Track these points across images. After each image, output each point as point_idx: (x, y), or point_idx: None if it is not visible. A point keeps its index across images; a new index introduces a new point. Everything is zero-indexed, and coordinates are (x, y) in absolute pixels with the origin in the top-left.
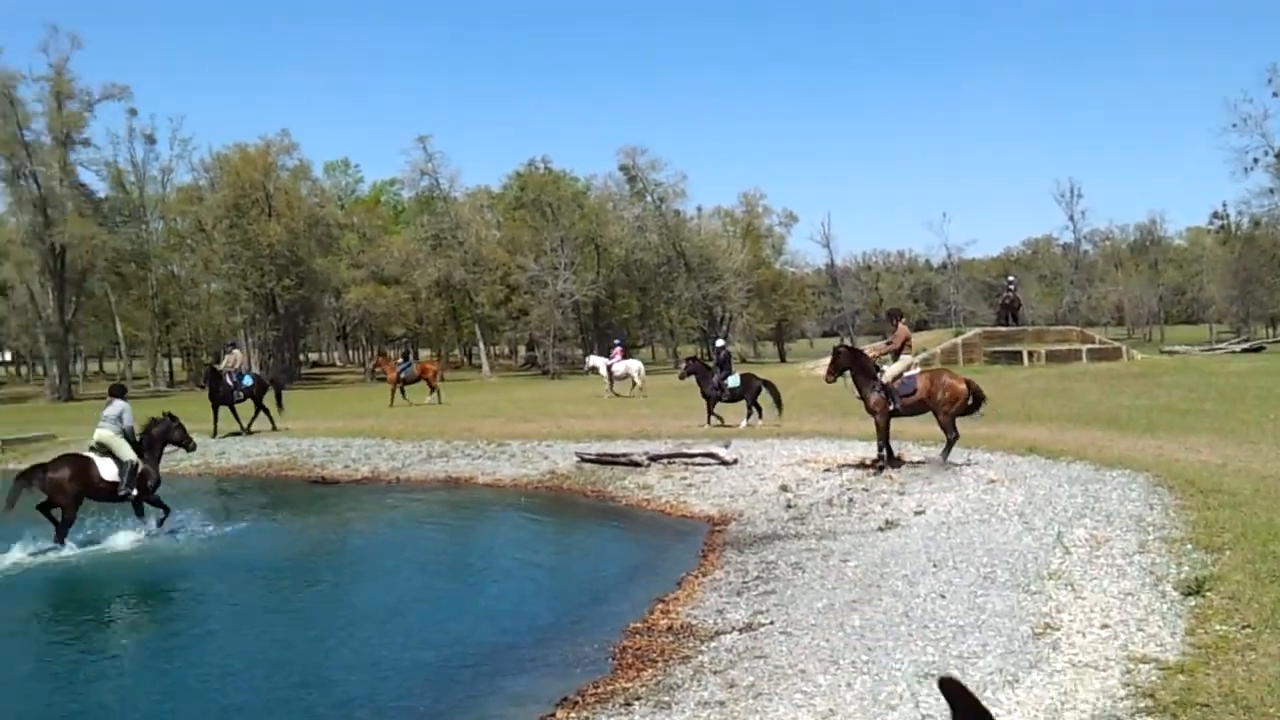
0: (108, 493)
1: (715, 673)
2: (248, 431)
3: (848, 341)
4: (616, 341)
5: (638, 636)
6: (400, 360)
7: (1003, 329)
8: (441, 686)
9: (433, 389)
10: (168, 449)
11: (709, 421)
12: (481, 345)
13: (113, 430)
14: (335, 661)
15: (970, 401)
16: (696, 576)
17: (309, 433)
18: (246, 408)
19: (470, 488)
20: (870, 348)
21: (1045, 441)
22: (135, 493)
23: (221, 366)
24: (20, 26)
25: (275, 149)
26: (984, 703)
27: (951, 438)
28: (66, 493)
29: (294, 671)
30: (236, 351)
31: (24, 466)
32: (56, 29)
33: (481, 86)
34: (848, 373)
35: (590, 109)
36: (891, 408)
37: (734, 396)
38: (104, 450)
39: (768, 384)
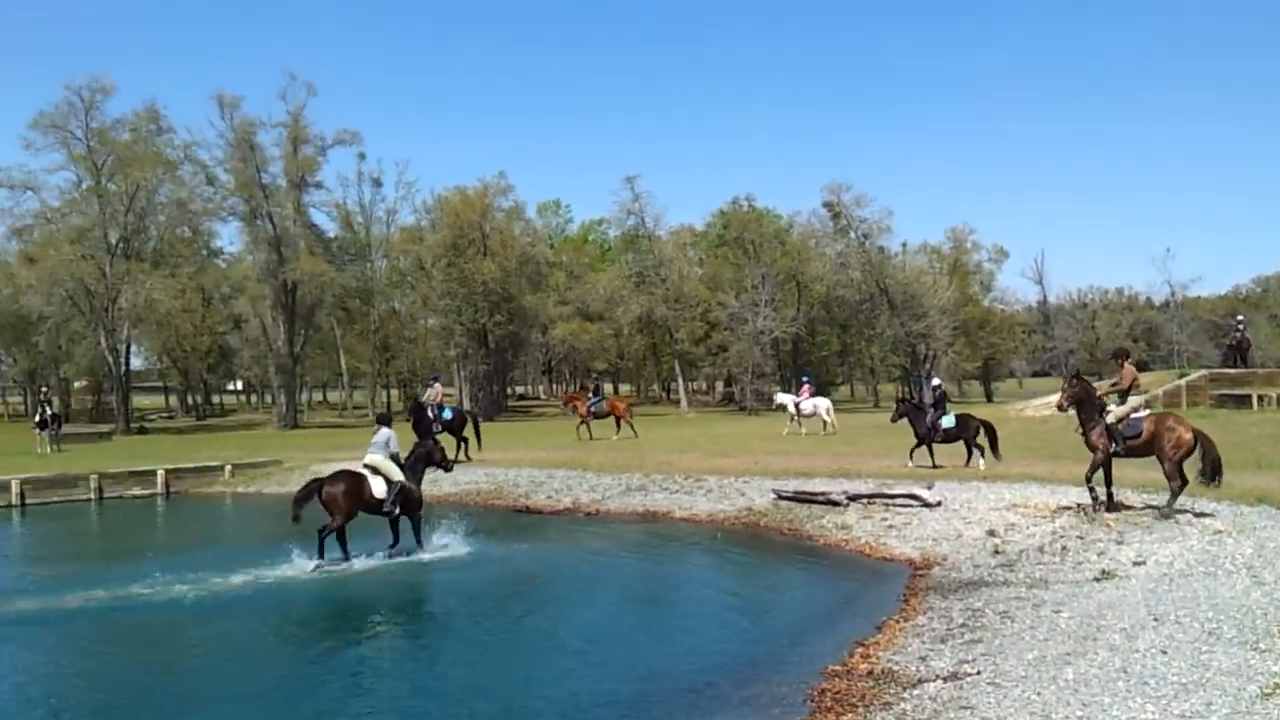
0: (375, 508)
1: None
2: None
3: (1062, 381)
4: (804, 379)
5: (836, 679)
6: (591, 395)
7: (1230, 371)
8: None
9: (620, 424)
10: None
11: (913, 461)
12: (680, 380)
13: (382, 455)
14: (534, 691)
15: (1206, 466)
16: (898, 621)
17: (514, 463)
18: (447, 440)
19: (667, 522)
20: (1098, 385)
21: (1277, 491)
22: (398, 510)
23: (424, 399)
24: (259, 73)
25: (492, 191)
26: None
27: (1175, 486)
28: (340, 505)
29: (495, 700)
30: (438, 385)
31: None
32: (295, 77)
33: (690, 125)
34: (1074, 405)
35: (796, 145)
36: (1114, 449)
37: (948, 438)
38: (374, 471)
39: (986, 424)
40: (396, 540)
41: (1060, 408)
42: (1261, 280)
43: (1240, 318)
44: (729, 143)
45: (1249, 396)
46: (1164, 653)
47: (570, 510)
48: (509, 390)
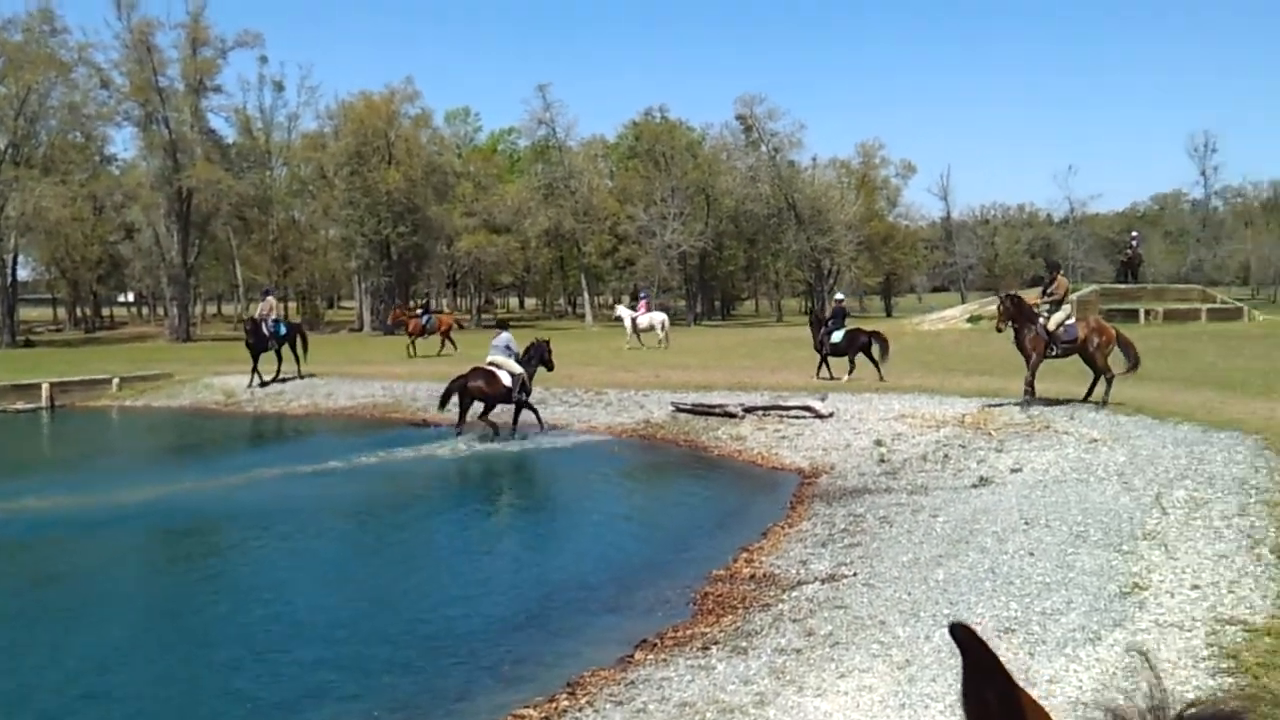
0: (504, 396)
1: (794, 621)
2: (281, 379)
3: (960, 296)
4: (642, 295)
5: (720, 584)
6: (421, 312)
7: (1121, 286)
8: (525, 624)
9: (445, 342)
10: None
11: (818, 374)
12: (586, 295)
13: (503, 355)
14: (425, 595)
15: (1130, 358)
16: (783, 527)
17: (413, 377)
18: (285, 354)
19: (564, 432)
20: (1030, 297)
21: (1154, 402)
22: (524, 396)
23: (258, 314)
24: None
25: (399, 97)
26: (1000, 656)
27: (1109, 377)
28: (485, 393)
29: (386, 602)
30: (270, 299)
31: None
32: None
33: (603, 36)
34: (1009, 321)
35: (710, 58)
36: (1052, 352)
37: (836, 350)
38: (499, 368)
39: (876, 335)
40: (516, 424)
41: (999, 329)
42: (1159, 198)
43: (1135, 234)
44: (643, 53)
45: (1137, 311)
46: (1031, 554)
47: (469, 424)
48: (412, 303)
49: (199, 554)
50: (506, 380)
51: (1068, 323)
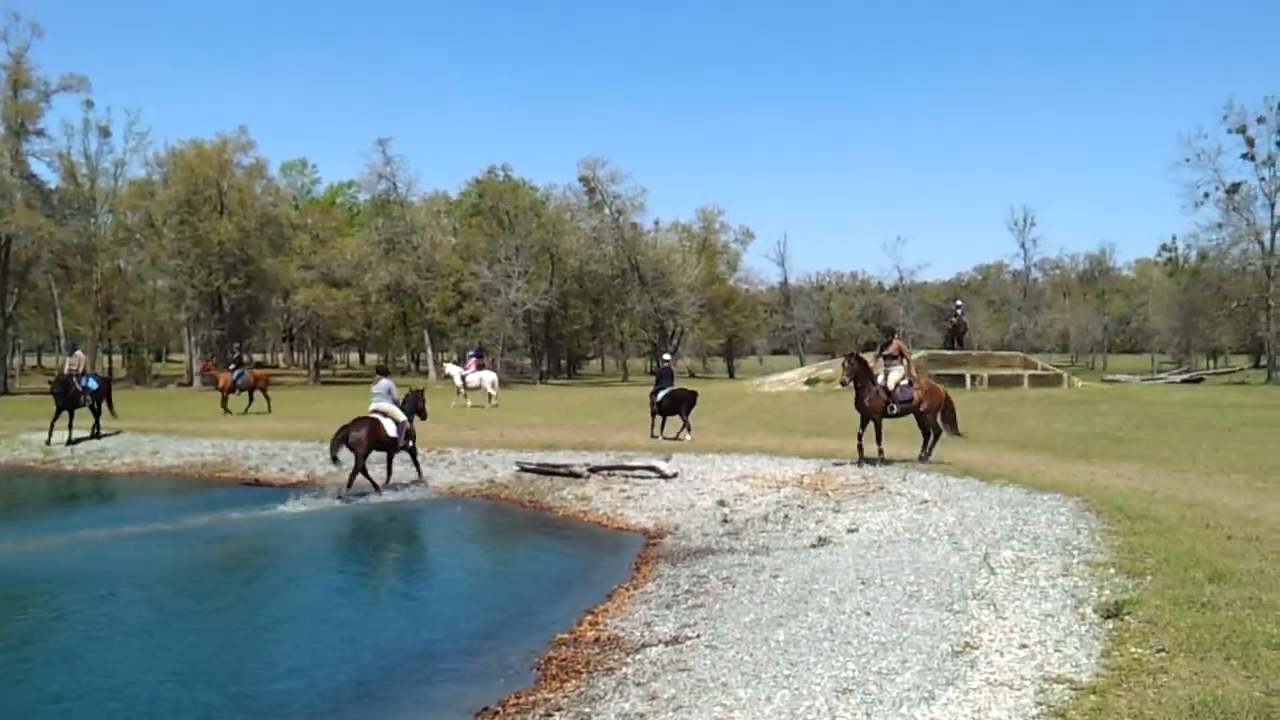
0: (389, 445)
1: (638, 684)
2: (97, 435)
3: (798, 359)
4: (471, 353)
5: (564, 648)
6: (233, 367)
7: (948, 352)
8: (360, 694)
9: (253, 399)
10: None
11: (651, 434)
12: (430, 351)
13: (386, 402)
14: (253, 666)
15: (950, 421)
16: (628, 589)
17: (245, 434)
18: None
19: (407, 494)
20: (869, 358)
21: (981, 464)
22: (410, 444)
23: (67, 370)
24: None
25: (232, 146)
26: None
27: (935, 435)
28: (365, 444)
29: (210, 675)
30: (79, 353)
31: None
32: (18, 16)
33: (444, 93)
34: (853, 379)
35: (553, 120)
36: (891, 410)
37: (662, 409)
38: (384, 415)
39: (691, 396)
40: (419, 472)
41: (843, 383)
42: (982, 268)
43: (960, 303)
44: (485, 112)
45: (963, 376)
46: (868, 614)
47: (305, 483)
48: (246, 358)
49: (8, 619)
50: (391, 429)
51: (903, 383)
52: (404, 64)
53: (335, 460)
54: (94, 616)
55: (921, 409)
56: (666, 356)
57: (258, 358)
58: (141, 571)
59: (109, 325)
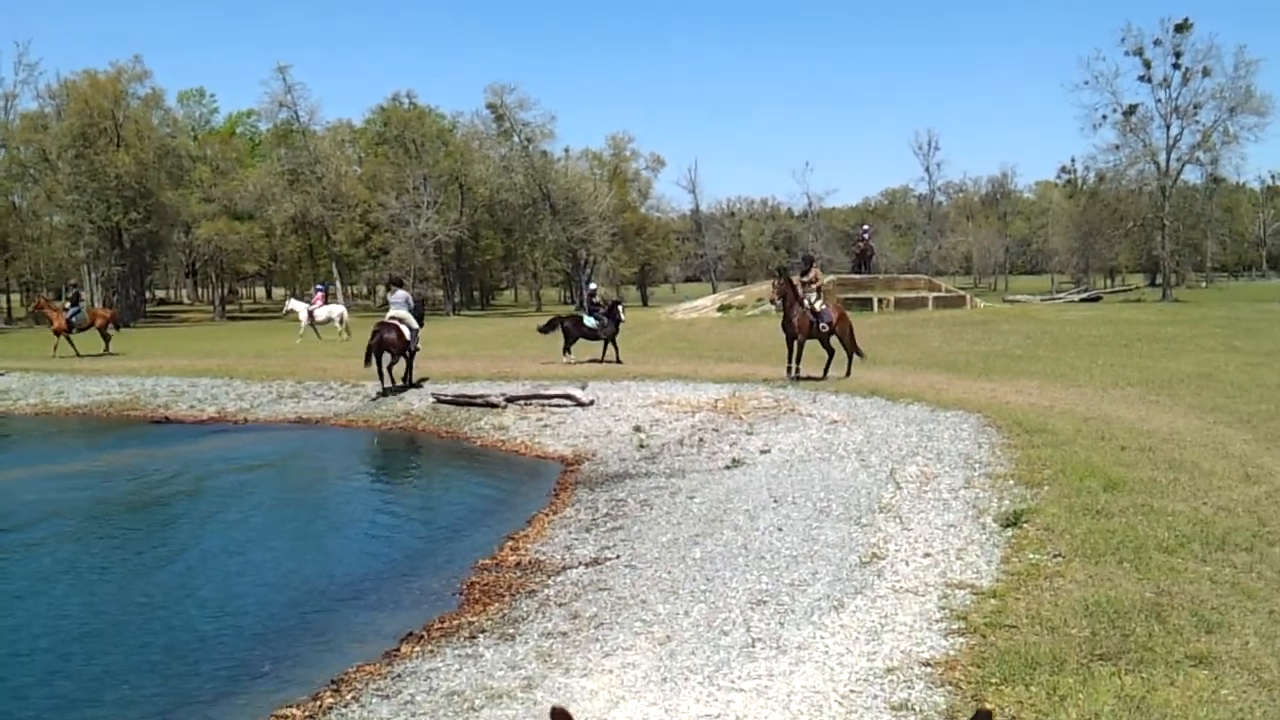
0: (406, 347)
1: (560, 605)
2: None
3: (711, 286)
4: (318, 287)
5: (486, 573)
6: (69, 305)
7: (855, 276)
8: (287, 624)
9: (107, 339)
10: None
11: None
12: (338, 284)
13: (404, 310)
14: (175, 606)
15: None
16: (547, 515)
17: (153, 371)
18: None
19: (322, 429)
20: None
21: (887, 384)
22: (417, 348)
23: None
24: None
25: (126, 76)
26: None
27: (857, 355)
28: (395, 346)
29: (131, 616)
30: None
31: None
32: None
33: (348, 19)
34: (780, 298)
35: (459, 46)
36: (821, 328)
37: (593, 335)
38: (401, 321)
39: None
40: (409, 380)
41: (772, 301)
42: (889, 193)
43: (866, 227)
44: (390, 38)
45: (870, 300)
46: (780, 530)
47: (216, 419)
48: (149, 294)
49: None
50: (408, 334)
51: (820, 307)
52: None
53: (368, 364)
54: (7, 559)
55: (838, 331)
56: (593, 287)
57: (160, 293)
58: (54, 512)
59: (5, 264)
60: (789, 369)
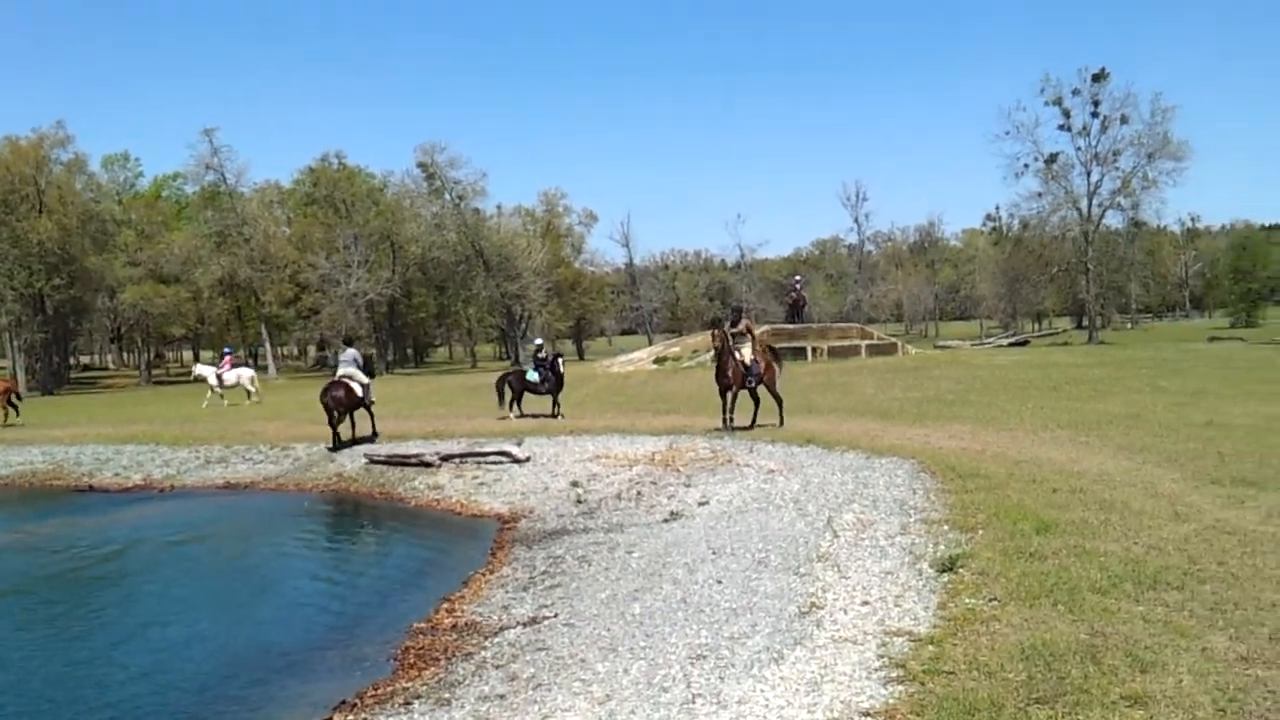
0: (359, 403)
1: (497, 667)
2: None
3: (647, 338)
4: (226, 351)
5: (421, 636)
6: None
7: (789, 326)
8: (215, 695)
9: (8, 408)
10: None
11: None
12: (268, 345)
13: (353, 367)
14: (99, 676)
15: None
16: (484, 574)
17: (77, 439)
18: None
19: (252, 493)
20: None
21: (822, 432)
22: (372, 401)
23: None
24: None
25: (49, 142)
26: None
27: (781, 401)
28: (344, 404)
29: (55, 686)
30: None
31: None
32: None
33: (275, 82)
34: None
35: (391, 105)
36: (748, 382)
37: (535, 390)
38: (351, 379)
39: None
40: (374, 431)
41: (716, 349)
42: (819, 243)
43: (798, 277)
44: (319, 100)
45: (805, 349)
46: (719, 582)
47: (141, 487)
48: (72, 360)
49: None
50: (358, 389)
51: (749, 359)
52: (228, 53)
53: (331, 422)
54: None
55: (764, 381)
56: (539, 341)
57: (85, 359)
58: None
59: None
60: (724, 420)
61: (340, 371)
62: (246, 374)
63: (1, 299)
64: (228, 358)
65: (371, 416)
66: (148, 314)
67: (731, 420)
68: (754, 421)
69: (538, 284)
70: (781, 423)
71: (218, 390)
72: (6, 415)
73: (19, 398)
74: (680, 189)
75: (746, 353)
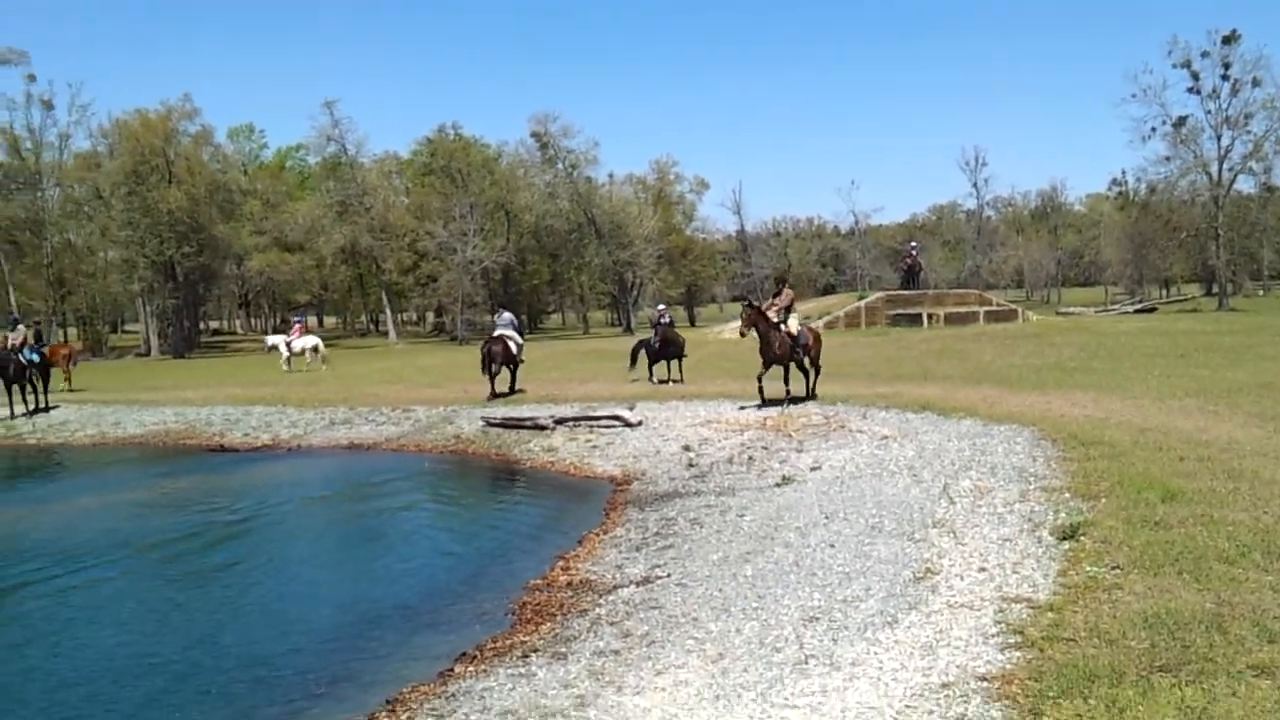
0: (513, 359)
1: (611, 624)
2: (42, 409)
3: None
4: (296, 320)
5: (538, 593)
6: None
7: (905, 293)
8: (343, 645)
9: (68, 371)
10: None
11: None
12: (388, 312)
13: (509, 329)
14: (235, 624)
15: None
16: (597, 534)
17: (208, 401)
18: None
19: (374, 453)
20: (766, 306)
21: (939, 399)
22: (521, 362)
23: (9, 344)
24: None
25: (177, 114)
26: None
27: (818, 373)
28: (500, 357)
29: (193, 635)
30: (21, 328)
31: None
32: None
33: (393, 52)
34: (753, 328)
35: (505, 76)
36: (798, 355)
37: (660, 355)
38: (507, 337)
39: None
40: (512, 387)
41: (742, 334)
42: (936, 209)
43: (914, 243)
44: (436, 70)
45: (920, 315)
46: (832, 546)
47: (270, 447)
48: (202, 325)
49: None
50: (514, 347)
51: (796, 330)
52: (350, 24)
53: (484, 371)
54: (71, 587)
55: (812, 353)
56: (661, 307)
57: (214, 324)
58: (113, 542)
59: (62, 299)
60: (760, 391)
61: (498, 331)
62: (312, 341)
63: (135, 266)
64: (298, 326)
65: (514, 374)
66: (273, 281)
67: (769, 393)
68: (810, 391)
69: (649, 251)
70: (811, 394)
71: (289, 356)
72: (71, 380)
73: (75, 363)
74: (793, 156)
75: (793, 324)
